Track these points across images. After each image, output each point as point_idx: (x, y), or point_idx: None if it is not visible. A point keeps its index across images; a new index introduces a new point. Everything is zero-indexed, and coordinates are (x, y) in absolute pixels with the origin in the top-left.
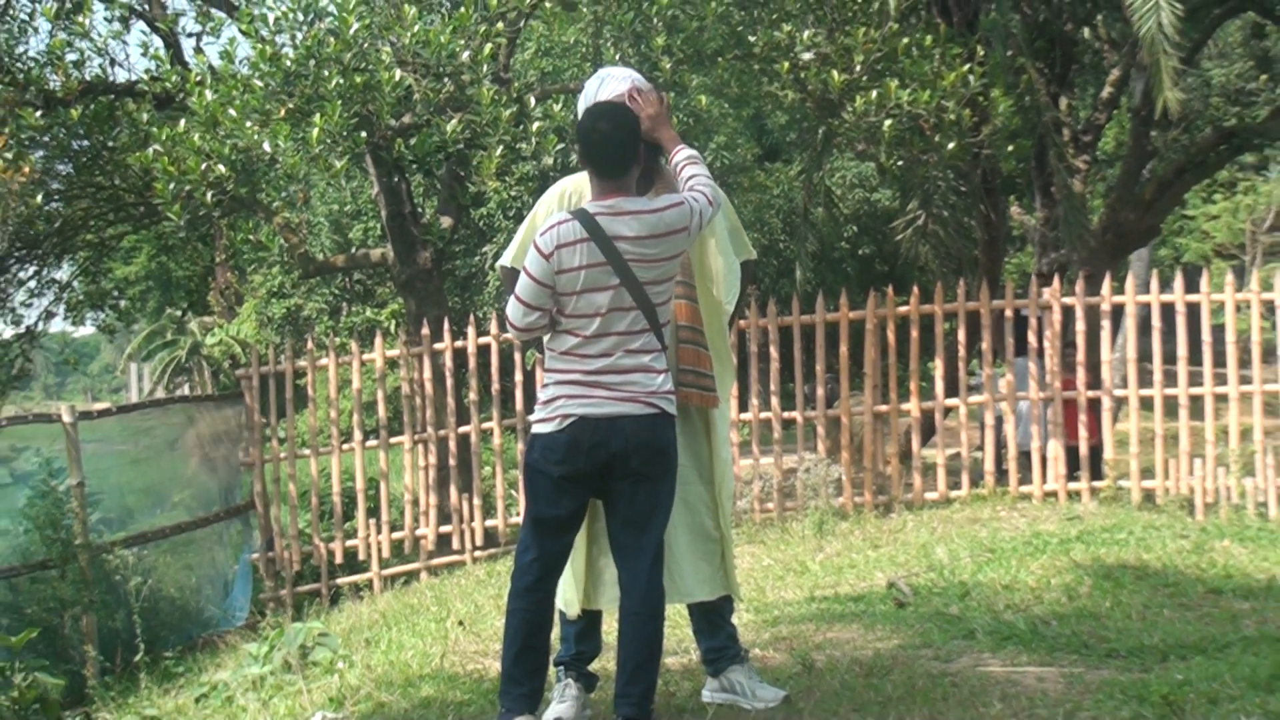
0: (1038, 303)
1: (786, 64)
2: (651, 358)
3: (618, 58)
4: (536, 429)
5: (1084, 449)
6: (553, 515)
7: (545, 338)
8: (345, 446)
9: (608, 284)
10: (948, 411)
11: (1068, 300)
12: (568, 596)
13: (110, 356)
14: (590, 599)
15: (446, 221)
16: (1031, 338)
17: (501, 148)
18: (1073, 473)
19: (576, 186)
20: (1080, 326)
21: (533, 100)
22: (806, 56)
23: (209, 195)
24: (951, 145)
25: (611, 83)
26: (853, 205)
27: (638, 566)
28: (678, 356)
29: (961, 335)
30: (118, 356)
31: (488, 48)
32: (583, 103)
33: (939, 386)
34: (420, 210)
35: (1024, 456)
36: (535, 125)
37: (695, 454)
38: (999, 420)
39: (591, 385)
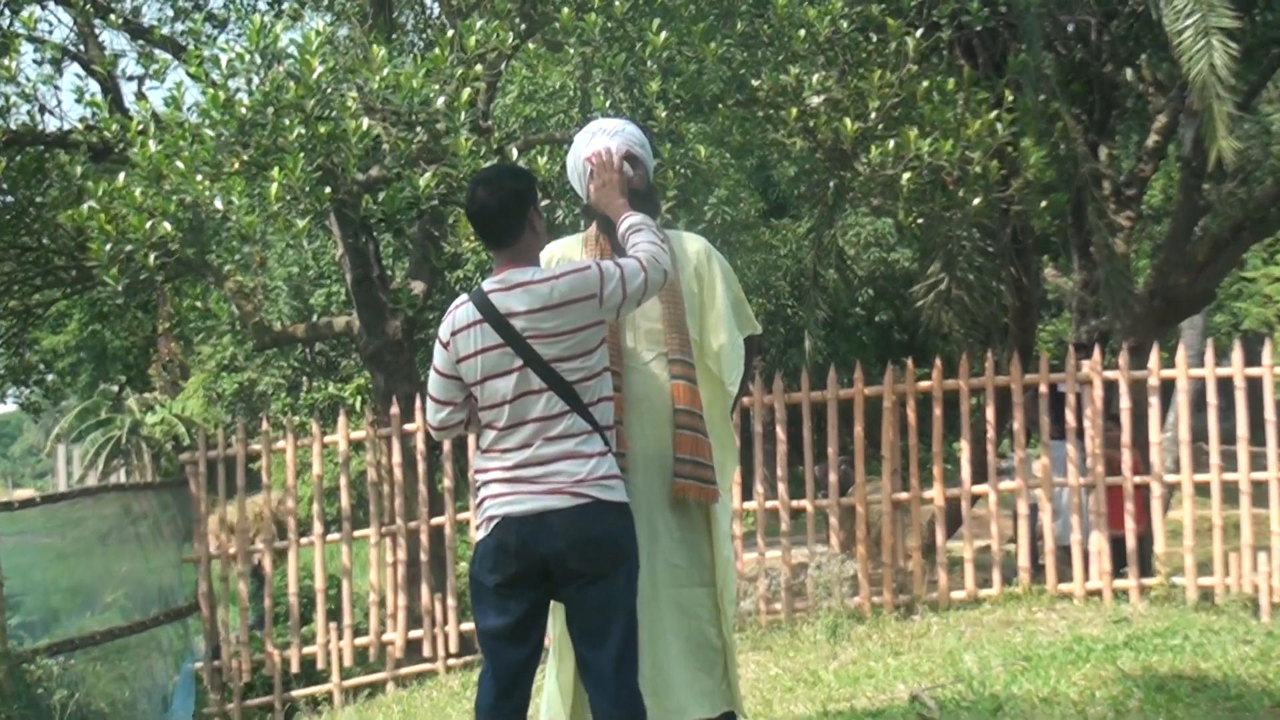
0: (1076, 377)
1: (794, 110)
2: (578, 442)
3: (608, 104)
4: (476, 537)
5: (1131, 542)
6: (497, 627)
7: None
8: (303, 540)
9: (510, 367)
10: (976, 499)
11: (1110, 374)
12: (553, 712)
13: (35, 437)
14: (579, 716)
15: (419, 286)
16: (1070, 416)
17: None
18: (1119, 569)
19: (564, 252)
20: (1125, 403)
21: (515, 151)
22: (816, 101)
23: (151, 257)
24: (977, 200)
25: (599, 138)
26: (868, 266)
27: (601, 683)
28: (675, 444)
29: (990, 413)
30: (43, 438)
31: (465, 93)
32: (571, 157)
33: (965, 471)
34: (390, 274)
35: (1063, 550)
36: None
37: (695, 553)
38: (1034, 509)
39: (513, 481)
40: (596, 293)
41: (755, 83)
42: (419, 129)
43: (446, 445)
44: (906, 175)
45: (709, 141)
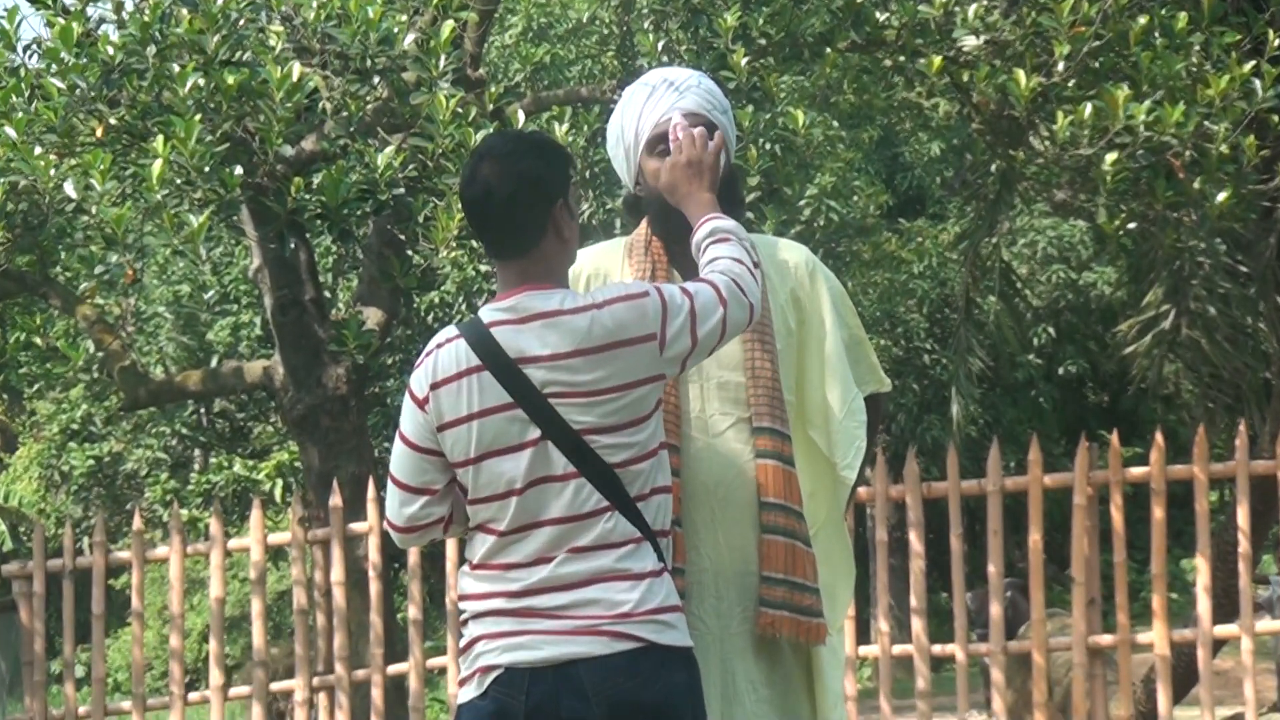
0: None
1: (938, 59)
2: (621, 555)
3: (660, 46)
4: (459, 696)
5: None
6: None
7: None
8: (193, 696)
9: (521, 440)
10: (1219, 646)
11: None
12: None
13: None
14: None
15: (374, 316)
16: None
17: None
18: None
19: (600, 266)
20: None
21: (520, 115)
22: (972, 44)
23: None
24: (1222, 196)
25: (662, 96)
26: (1048, 293)
27: None
28: (761, 556)
29: (1242, 516)
30: None
31: (446, 27)
32: (615, 125)
33: (1203, 603)
34: (331, 297)
35: None
36: None
37: (789, 717)
38: None
39: (521, 615)
40: (656, 332)
41: (880, 15)
42: (376, 80)
43: (413, 555)
44: (1111, 157)
45: (809, 103)
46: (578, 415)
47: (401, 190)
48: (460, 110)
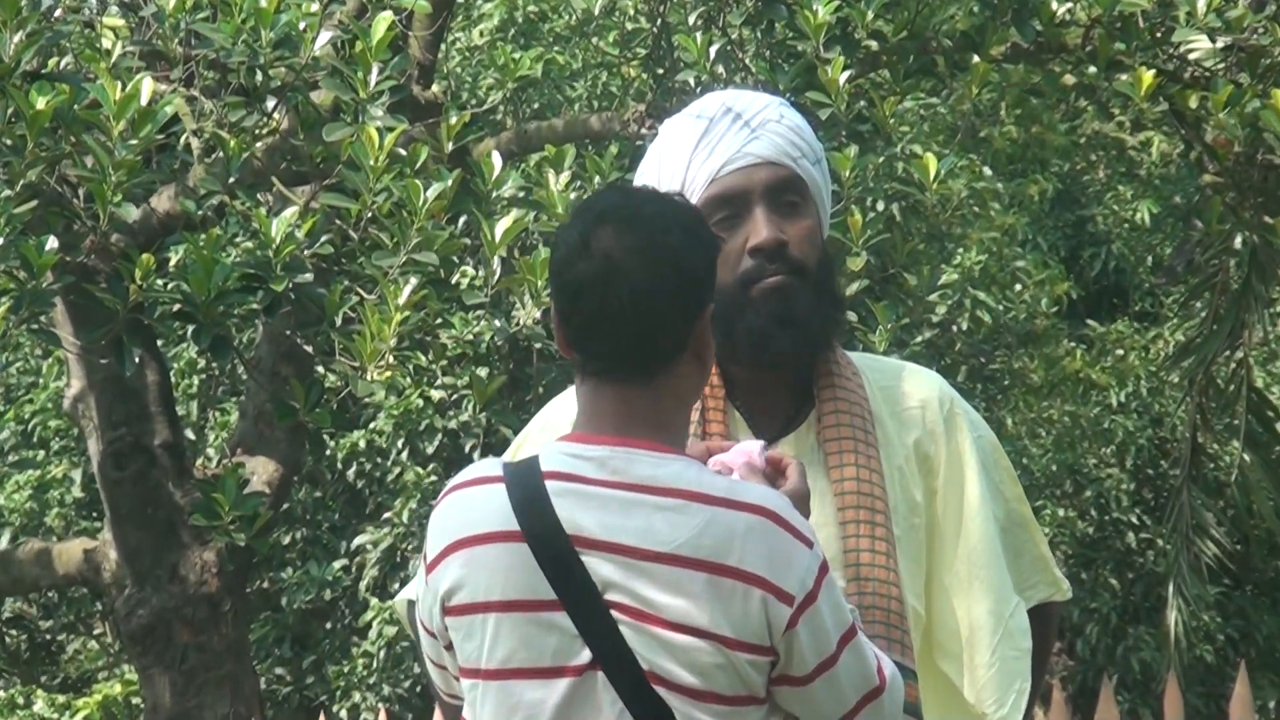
0: None
1: (1148, 73)
2: None
3: (711, 53)
4: None
5: None
6: None
7: None
8: None
9: (560, 662)
10: None
11: None
12: None
13: None
14: None
15: (263, 470)
16: None
17: (414, 278)
18: None
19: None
20: None
21: (495, 159)
22: (1203, 49)
23: None
24: None
25: (726, 135)
26: None
27: None
28: None
29: None
30: None
31: (381, 23)
32: (647, 179)
33: None
34: (196, 442)
35: None
36: (501, 224)
37: None
38: None
39: None
40: (792, 600)
41: (1057, 5)
42: (271, 104)
43: None
44: None
45: (945, 140)
46: (648, 651)
47: (309, 275)
48: (402, 151)
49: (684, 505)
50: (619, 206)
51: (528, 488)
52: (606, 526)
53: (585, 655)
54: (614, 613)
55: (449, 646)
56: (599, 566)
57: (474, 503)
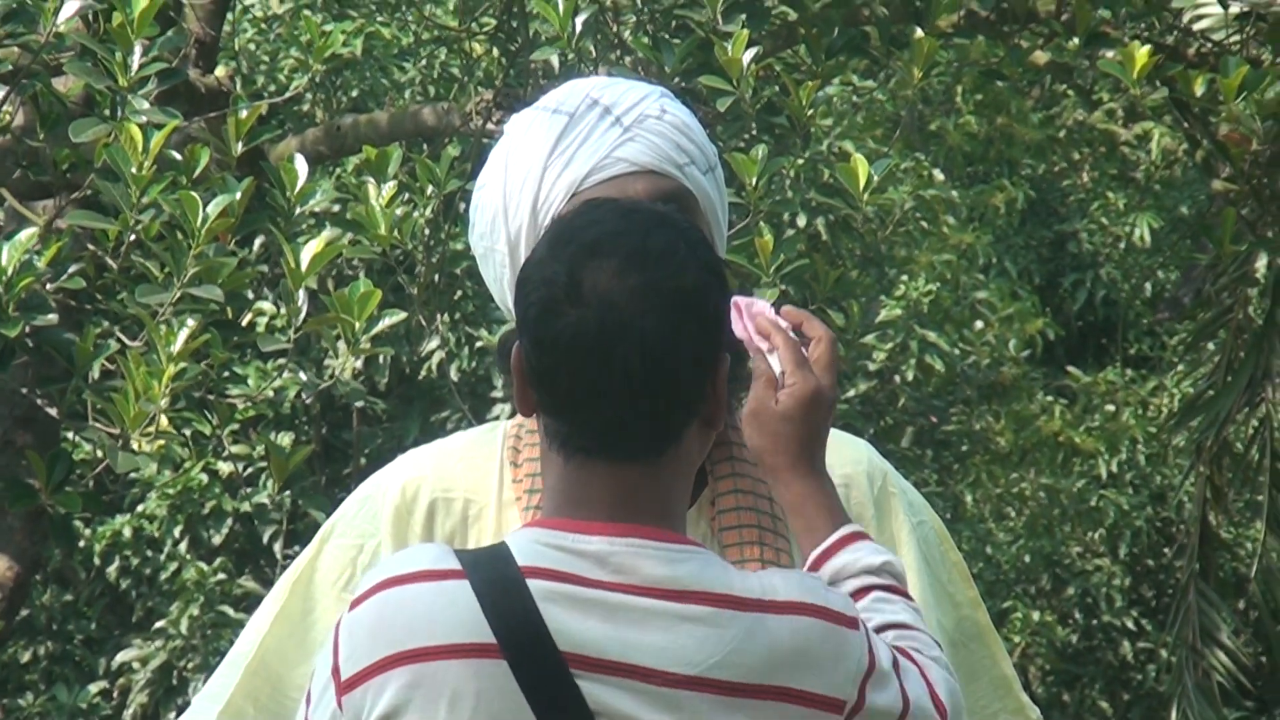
0: None
1: (1143, 49)
2: None
3: (576, 26)
4: None
5: None
6: None
7: None
8: None
9: None
10: None
11: None
12: None
13: None
14: None
15: None
16: None
17: (192, 319)
18: None
19: (450, 484)
20: None
21: (300, 164)
22: (1212, 18)
23: None
24: None
25: (592, 135)
26: None
27: None
28: None
29: None
30: None
31: None
32: (490, 190)
33: None
34: None
35: None
36: (308, 248)
37: None
38: None
39: None
40: (848, 700)
41: None
42: None
43: None
44: None
45: (881, 137)
46: None
47: (53, 317)
48: (176, 154)
49: (713, 614)
50: (618, 235)
51: (504, 588)
52: (615, 643)
53: None
54: None
55: None
56: (601, 694)
57: (423, 603)
